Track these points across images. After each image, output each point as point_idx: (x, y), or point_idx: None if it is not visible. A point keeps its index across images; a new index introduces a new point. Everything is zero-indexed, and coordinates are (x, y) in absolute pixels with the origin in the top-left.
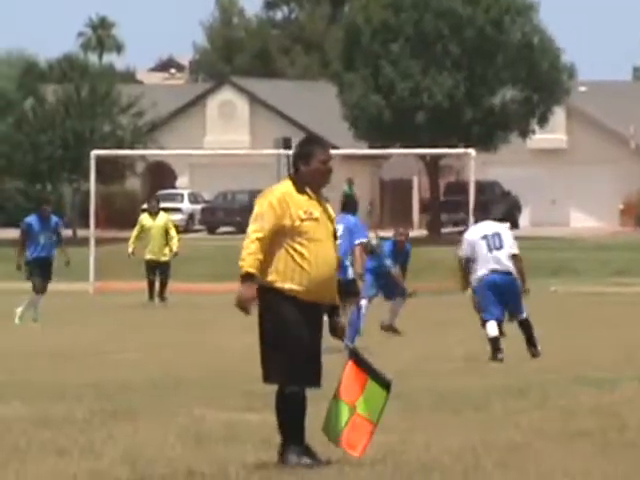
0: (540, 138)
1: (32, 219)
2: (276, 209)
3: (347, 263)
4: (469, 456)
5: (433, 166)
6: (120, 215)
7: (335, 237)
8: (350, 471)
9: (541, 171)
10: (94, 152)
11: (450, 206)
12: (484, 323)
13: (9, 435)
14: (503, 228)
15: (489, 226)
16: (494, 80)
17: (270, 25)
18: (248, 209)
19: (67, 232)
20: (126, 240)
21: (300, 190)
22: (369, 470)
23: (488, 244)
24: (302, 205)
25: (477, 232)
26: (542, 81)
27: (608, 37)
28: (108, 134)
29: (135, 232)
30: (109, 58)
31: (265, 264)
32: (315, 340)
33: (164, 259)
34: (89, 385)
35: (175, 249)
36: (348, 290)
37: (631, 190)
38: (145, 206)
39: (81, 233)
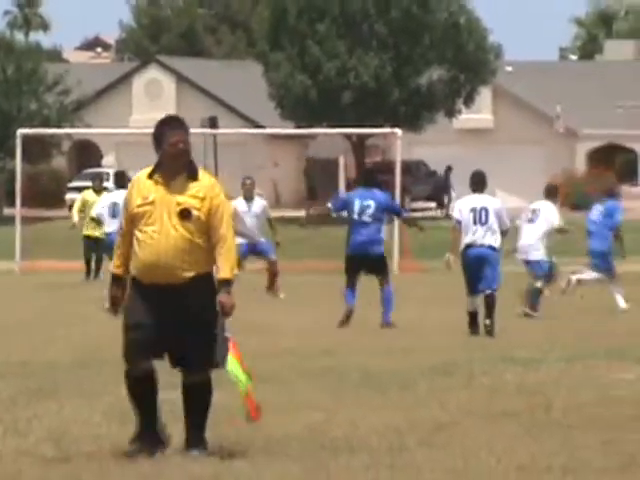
0: (466, 118)
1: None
2: (127, 200)
3: (381, 236)
4: (394, 435)
5: (359, 146)
6: (46, 194)
7: (186, 217)
8: (277, 448)
9: (467, 151)
10: (20, 131)
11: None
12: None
13: None
14: (493, 202)
15: (478, 199)
16: (420, 60)
17: (197, 4)
18: None
19: None
20: (52, 219)
21: (151, 175)
22: (296, 448)
23: (474, 217)
24: (143, 191)
25: (467, 203)
26: (469, 61)
27: (535, 17)
28: (34, 112)
29: (78, 205)
30: (35, 37)
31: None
32: (159, 320)
33: (102, 236)
34: (14, 363)
35: None
36: (376, 266)
37: (557, 170)
38: (71, 184)
39: (7, 212)
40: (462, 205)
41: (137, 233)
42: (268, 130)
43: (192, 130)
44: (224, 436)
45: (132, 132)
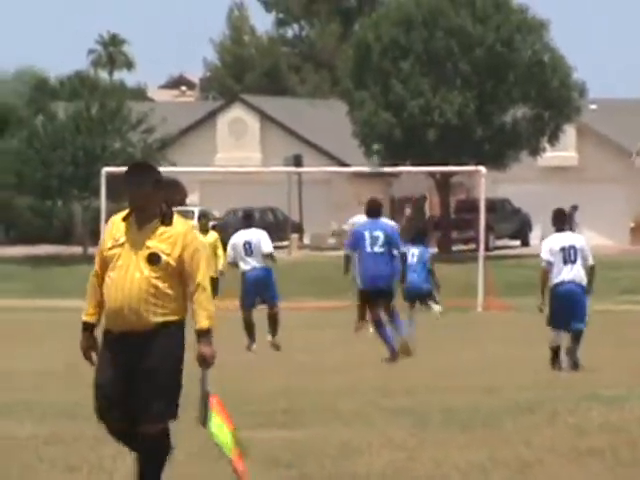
0: (551, 156)
1: None
2: (102, 242)
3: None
4: (478, 474)
5: (444, 184)
6: None
7: (154, 261)
8: None
9: (552, 189)
10: (105, 169)
11: (461, 224)
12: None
13: (20, 453)
14: (579, 239)
15: (567, 237)
16: (505, 98)
17: (281, 43)
18: (259, 226)
19: (77, 249)
20: None
21: (127, 216)
22: None
23: (564, 256)
24: (115, 234)
25: (556, 242)
26: (553, 99)
27: (619, 55)
28: (119, 151)
29: None
30: (120, 75)
31: None
32: (128, 374)
33: (213, 276)
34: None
35: (221, 267)
36: (387, 298)
37: None
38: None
39: (92, 251)
40: (551, 245)
41: (107, 278)
42: (352, 168)
43: (276, 168)
44: (309, 474)
45: (217, 170)
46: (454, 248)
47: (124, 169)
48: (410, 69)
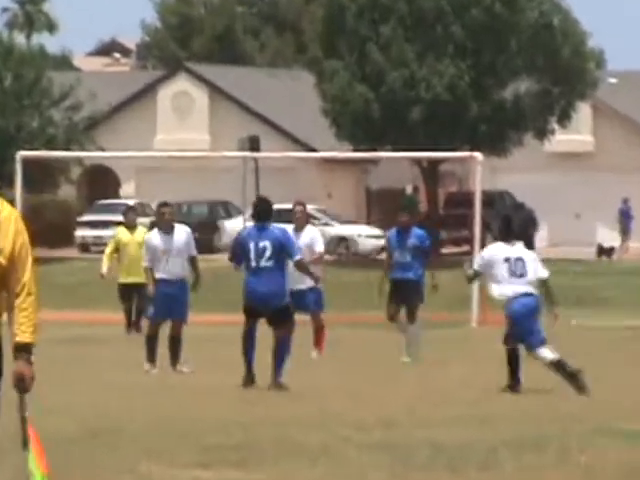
0: (561, 140)
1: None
2: None
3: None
4: None
5: (431, 173)
6: (51, 230)
7: None
8: None
9: (562, 179)
10: (20, 153)
11: (451, 221)
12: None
13: None
14: (525, 252)
15: (512, 249)
16: (505, 69)
17: (235, 1)
18: (207, 224)
19: None
20: (58, 260)
21: None
22: None
23: (510, 269)
24: None
25: (499, 252)
26: (564, 71)
27: None
28: (37, 131)
29: (109, 248)
30: (40, 39)
31: None
32: None
33: (143, 281)
34: (10, 436)
35: None
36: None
37: None
38: (82, 219)
39: None
40: (490, 254)
41: None
42: (321, 154)
43: (229, 153)
44: None
45: (156, 155)
46: (443, 250)
47: (48, 153)
48: (391, 33)
